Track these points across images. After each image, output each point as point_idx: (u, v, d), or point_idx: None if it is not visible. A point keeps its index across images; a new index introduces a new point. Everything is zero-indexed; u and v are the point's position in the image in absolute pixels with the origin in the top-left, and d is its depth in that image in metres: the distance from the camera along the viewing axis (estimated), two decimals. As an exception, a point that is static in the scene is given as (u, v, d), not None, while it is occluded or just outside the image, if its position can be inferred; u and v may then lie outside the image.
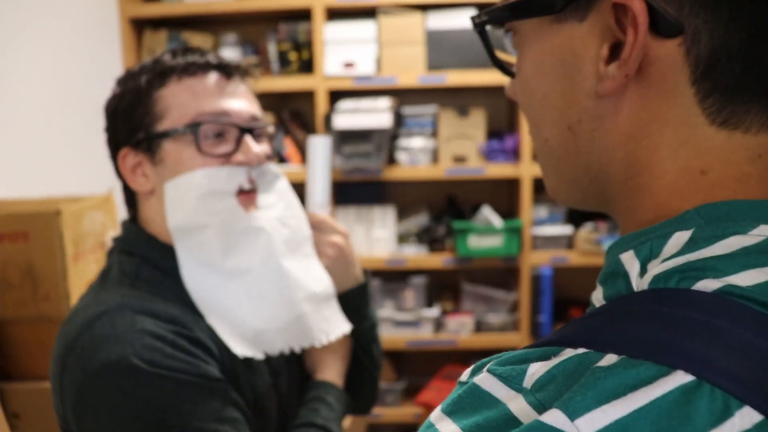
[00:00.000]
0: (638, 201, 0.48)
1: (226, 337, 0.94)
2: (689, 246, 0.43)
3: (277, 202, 1.02)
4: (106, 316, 0.88)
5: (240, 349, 0.94)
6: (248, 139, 0.98)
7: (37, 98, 2.07)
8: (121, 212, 1.99)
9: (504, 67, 0.58)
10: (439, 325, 2.83)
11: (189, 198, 0.94)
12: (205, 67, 0.98)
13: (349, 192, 2.85)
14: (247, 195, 0.98)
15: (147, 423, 0.83)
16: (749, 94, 0.44)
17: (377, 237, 2.77)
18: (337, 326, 1.05)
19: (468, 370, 0.45)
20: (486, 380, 0.42)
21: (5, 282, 1.57)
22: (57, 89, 2.19)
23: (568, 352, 0.40)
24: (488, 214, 2.70)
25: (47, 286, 1.57)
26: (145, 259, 0.98)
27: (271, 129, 1.06)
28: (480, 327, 2.82)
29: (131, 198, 1.03)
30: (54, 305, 1.57)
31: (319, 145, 1.14)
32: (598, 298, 0.50)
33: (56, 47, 2.20)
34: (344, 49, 2.66)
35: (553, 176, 0.55)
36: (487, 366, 0.43)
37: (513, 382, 0.41)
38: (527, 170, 2.68)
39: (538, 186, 2.75)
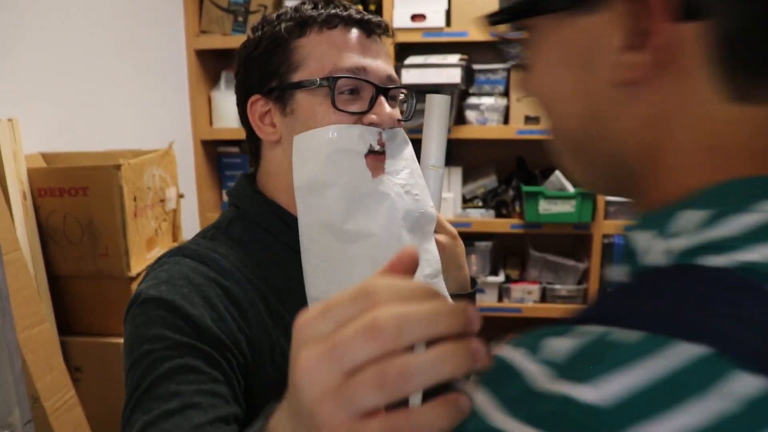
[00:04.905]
0: (656, 181, 0.49)
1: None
2: (704, 224, 0.43)
3: (403, 168, 0.98)
4: (161, 260, 0.91)
5: None
6: (383, 99, 0.95)
7: (98, 52, 2.03)
8: (182, 168, 1.95)
9: (518, 63, 0.58)
10: (503, 292, 2.73)
11: (318, 154, 0.91)
12: (347, 21, 0.95)
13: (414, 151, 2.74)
14: (375, 157, 0.94)
15: (131, 350, 0.83)
16: None
17: (442, 198, 2.66)
18: None
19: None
20: (507, 353, 0.44)
21: (66, 237, 1.54)
22: (116, 43, 2.14)
23: (592, 329, 0.41)
24: (561, 178, 2.56)
25: (106, 241, 1.53)
26: (246, 214, 0.98)
27: (404, 93, 1.04)
28: (546, 296, 2.73)
29: (256, 148, 1.01)
30: (113, 261, 1.53)
31: (437, 104, 1.08)
32: (617, 274, 0.51)
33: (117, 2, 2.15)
34: (413, 1, 2.53)
35: (576, 166, 0.56)
36: (509, 340, 0.45)
37: (534, 355, 0.42)
38: (604, 133, 2.52)
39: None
